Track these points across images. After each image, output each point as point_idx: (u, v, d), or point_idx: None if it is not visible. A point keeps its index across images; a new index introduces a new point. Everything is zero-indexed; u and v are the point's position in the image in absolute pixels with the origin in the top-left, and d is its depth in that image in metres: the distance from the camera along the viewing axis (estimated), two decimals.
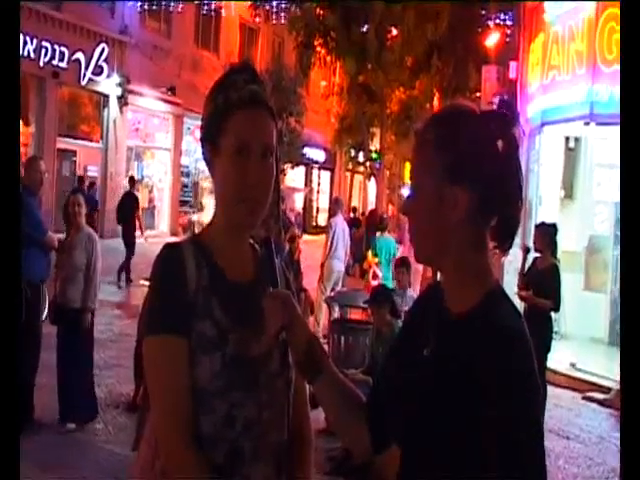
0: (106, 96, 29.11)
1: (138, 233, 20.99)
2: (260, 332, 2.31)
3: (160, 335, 2.27)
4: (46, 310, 8.89)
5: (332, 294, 13.88)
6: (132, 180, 23.25)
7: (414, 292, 10.84)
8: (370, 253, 16.56)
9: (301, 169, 43.18)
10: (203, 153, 2.43)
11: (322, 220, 40.18)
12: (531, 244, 10.36)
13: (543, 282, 9.52)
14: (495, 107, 2.16)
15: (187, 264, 2.31)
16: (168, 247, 2.40)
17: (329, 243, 15.11)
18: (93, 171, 29.12)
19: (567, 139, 15.73)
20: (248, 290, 2.40)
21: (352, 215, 34.37)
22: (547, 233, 9.86)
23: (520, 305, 8.92)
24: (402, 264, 11.16)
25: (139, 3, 30.22)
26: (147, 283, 2.45)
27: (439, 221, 2.04)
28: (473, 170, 2.00)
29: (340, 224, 15.52)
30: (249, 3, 33.18)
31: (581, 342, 14.27)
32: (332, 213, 16.15)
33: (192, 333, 2.26)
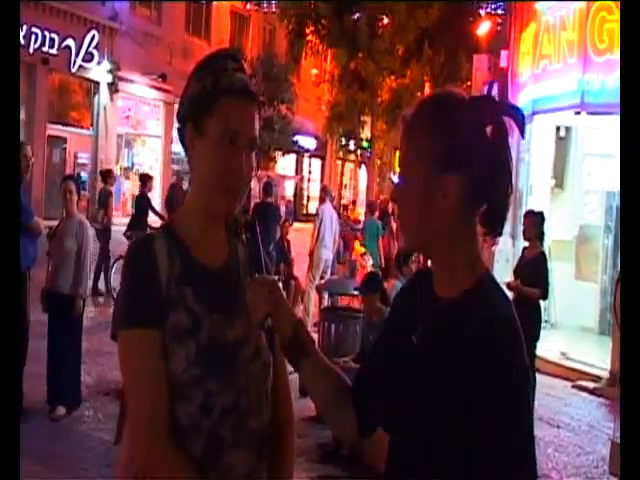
0: (96, 83, 29.04)
1: None
2: (234, 317, 2.32)
3: (133, 329, 2.24)
4: None
5: (322, 282, 13.88)
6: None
7: None
8: (357, 243, 16.55)
9: (292, 157, 43.17)
10: (181, 132, 2.37)
11: (313, 208, 40.18)
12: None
13: (532, 271, 9.53)
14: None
15: (158, 254, 2.28)
16: (138, 239, 2.38)
17: (316, 231, 15.09)
18: (83, 158, 29.07)
19: (558, 128, 15.73)
20: (221, 276, 2.38)
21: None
22: (536, 221, 9.86)
23: (509, 294, 8.93)
24: None
25: None
26: None
27: (430, 208, 2.03)
28: (464, 158, 1.99)
29: (328, 212, 15.47)
30: None
31: (571, 331, 14.30)
32: (320, 201, 16.11)
33: (166, 324, 2.23)
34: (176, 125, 2.42)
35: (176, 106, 2.46)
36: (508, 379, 1.90)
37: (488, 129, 2.04)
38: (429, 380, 1.99)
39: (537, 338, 9.38)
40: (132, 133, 32.65)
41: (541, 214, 10.04)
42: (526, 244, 10.09)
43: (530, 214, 10.18)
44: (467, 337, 1.93)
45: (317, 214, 15.74)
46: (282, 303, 2.29)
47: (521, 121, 2.10)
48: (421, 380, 2.02)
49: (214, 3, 35.43)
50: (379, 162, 39.74)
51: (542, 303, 9.85)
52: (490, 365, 1.89)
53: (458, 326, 1.97)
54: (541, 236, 9.87)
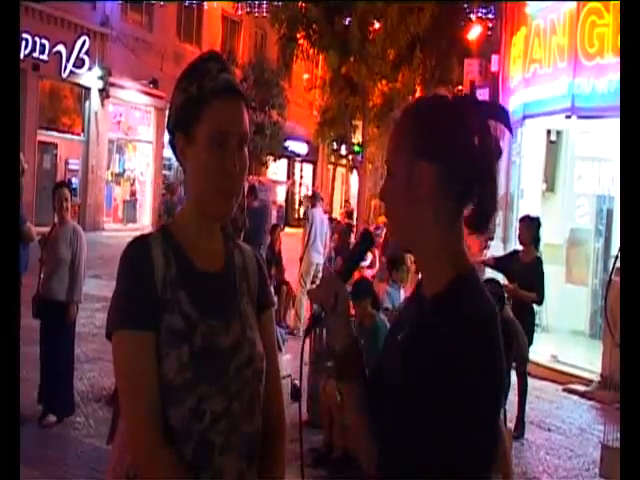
0: (87, 89, 29.02)
1: None
2: (229, 323, 2.33)
3: (127, 330, 2.25)
4: None
5: (314, 286, 13.82)
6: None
7: None
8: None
9: (283, 162, 43.16)
10: (172, 142, 2.39)
11: None
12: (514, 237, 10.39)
13: (527, 275, 9.53)
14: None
15: (154, 256, 2.29)
16: (135, 240, 2.38)
17: (307, 235, 15.02)
18: (74, 164, 29.01)
19: (549, 132, 15.74)
20: (217, 280, 2.39)
21: None
22: (531, 226, 9.87)
23: None
24: None
25: None
26: None
27: (407, 198, 2.06)
28: (437, 144, 2.03)
29: (319, 216, 15.42)
30: None
31: (562, 334, 14.31)
32: (311, 205, 16.03)
33: (160, 326, 2.24)
34: (167, 137, 2.44)
35: (167, 112, 2.47)
36: (479, 375, 1.91)
37: (468, 122, 2.05)
38: (407, 377, 2.00)
39: (531, 342, 9.39)
40: (123, 139, 32.61)
41: (537, 219, 10.05)
42: (520, 248, 10.10)
43: (526, 219, 10.18)
44: (439, 334, 1.94)
45: (307, 218, 15.67)
46: (346, 313, 2.27)
47: (505, 118, 2.13)
48: (401, 378, 2.03)
49: (205, 8, 35.39)
50: (370, 166, 39.72)
51: (535, 307, 9.86)
52: (464, 361, 1.90)
53: (434, 323, 1.98)
54: (536, 241, 9.88)
